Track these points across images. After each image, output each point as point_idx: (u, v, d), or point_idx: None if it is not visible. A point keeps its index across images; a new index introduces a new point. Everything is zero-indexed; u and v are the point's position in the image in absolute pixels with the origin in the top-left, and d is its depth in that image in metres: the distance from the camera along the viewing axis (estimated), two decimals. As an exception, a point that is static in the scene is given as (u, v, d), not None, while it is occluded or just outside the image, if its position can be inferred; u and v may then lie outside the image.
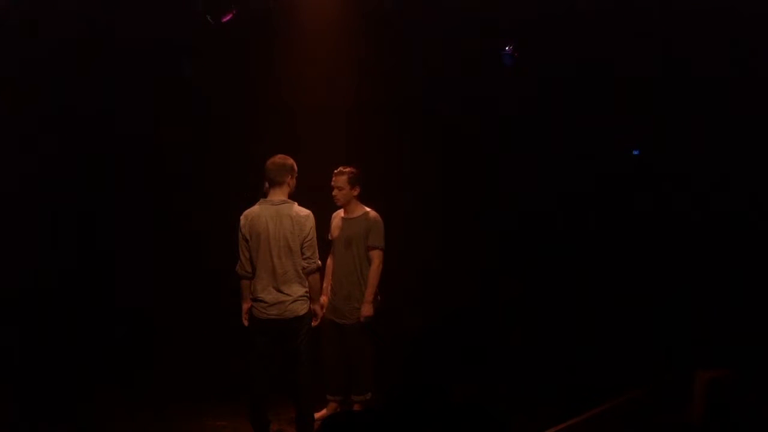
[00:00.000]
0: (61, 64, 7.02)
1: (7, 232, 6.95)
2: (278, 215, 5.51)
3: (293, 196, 5.61)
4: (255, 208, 5.59)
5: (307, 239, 5.53)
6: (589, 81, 7.41)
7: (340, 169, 6.08)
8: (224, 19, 6.85)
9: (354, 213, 6.15)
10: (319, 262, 5.68)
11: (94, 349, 7.02)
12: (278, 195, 5.56)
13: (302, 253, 5.53)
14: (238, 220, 5.60)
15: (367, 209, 6.18)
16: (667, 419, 5.42)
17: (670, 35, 7.10)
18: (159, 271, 7.48)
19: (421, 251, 7.60)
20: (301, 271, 5.54)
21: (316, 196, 6.09)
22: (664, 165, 7.45)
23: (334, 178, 6.08)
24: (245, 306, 5.65)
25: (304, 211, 5.57)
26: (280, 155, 5.63)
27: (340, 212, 6.21)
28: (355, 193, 6.11)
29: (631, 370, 6.28)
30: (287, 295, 5.51)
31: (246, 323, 5.66)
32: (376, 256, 6.10)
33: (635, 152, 7.74)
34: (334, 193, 6.09)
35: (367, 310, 6.05)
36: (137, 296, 7.37)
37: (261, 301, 5.53)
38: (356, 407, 6.25)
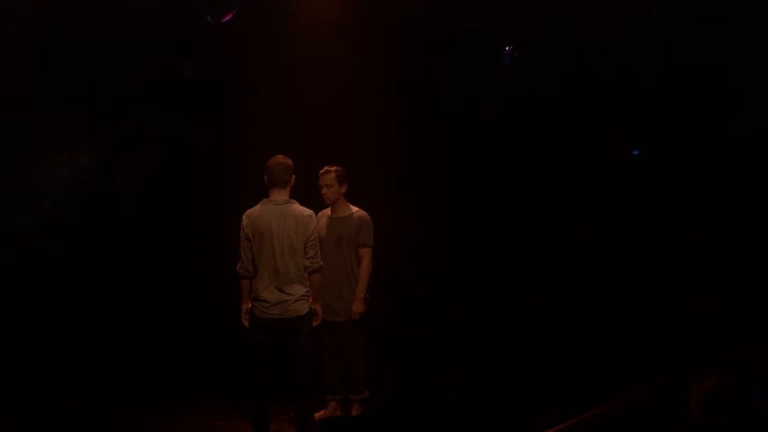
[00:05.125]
0: (60, 64, 7.02)
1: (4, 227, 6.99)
2: (282, 215, 5.53)
3: (291, 196, 5.66)
4: (257, 208, 5.60)
5: (310, 239, 5.57)
6: (588, 81, 7.42)
7: (326, 168, 6.21)
8: (224, 19, 6.86)
9: (342, 212, 6.24)
10: (321, 262, 5.71)
11: (95, 349, 7.03)
12: (281, 195, 5.58)
13: (305, 253, 5.56)
14: (238, 219, 5.62)
15: (354, 208, 6.27)
16: (664, 421, 5.44)
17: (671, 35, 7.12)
18: (159, 271, 7.48)
19: (421, 251, 7.61)
20: (302, 271, 5.57)
21: (316, 196, 6.14)
22: (663, 165, 7.47)
23: (321, 177, 6.20)
24: (245, 306, 5.66)
25: (307, 211, 5.62)
26: (280, 155, 5.66)
27: (327, 211, 6.28)
28: (343, 190, 6.23)
29: (628, 371, 6.29)
30: (289, 294, 5.52)
31: (246, 323, 5.67)
32: (366, 253, 6.19)
33: (635, 152, 7.76)
34: (323, 192, 6.20)
35: (358, 307, 6.13)
36: (137, 296, 7.37)
37: (263, 300, 5.54)
38: (355, 406, 6.29)
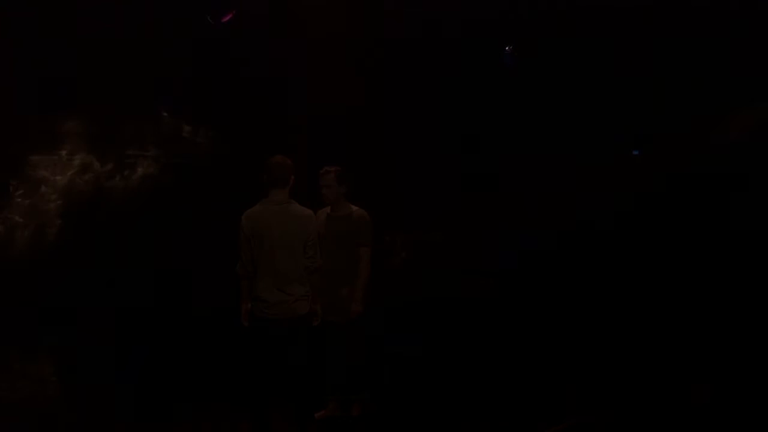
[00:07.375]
0: (61, 63, 7.03)
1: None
2: (282, 215, 5.54)
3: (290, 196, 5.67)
4: (257, 208, 5.61)
5: (309, 239, 5.58)
6: (588, 80, 7.43)
7: (326, 168, 6.24)
8: (224, 19, 6.86)
9: (341, 211, 6.26)
10: (321, 262, 5.71)
11: (95, 350, 7.03)
12: (281, 195, 5.59)
13: (305, 253, 5.57)
14: (238, 219, 5.62)
15: (354, 207, 6.28)
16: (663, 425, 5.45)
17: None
18: (158, 271, 7.48)
19: (420, 251, 7.61)
20: (302, 271, 5.58)
21: (316, 196, 6.15)
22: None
23: (321, 178, 6.23)
24: (245, 306, 5.67)
25: (307, 211, 5.63)
26: (280, 155, 5.67)
27: (326, 210, 6.30)
28: (343, 190, 6.25)
29: (624, 378, 6.31)
30: (289, 294, 5.53)
31: (246, 323, 5.67)
32: (365, 253, 6.21)
33: (635, 152, 7.75)
34: (323, 192, 6.23)
35: (357, 306, 6.14)
36: (136, 296, 7.37)
37: (263, 300, 5.54)
38: (355, 406, 6.29)
